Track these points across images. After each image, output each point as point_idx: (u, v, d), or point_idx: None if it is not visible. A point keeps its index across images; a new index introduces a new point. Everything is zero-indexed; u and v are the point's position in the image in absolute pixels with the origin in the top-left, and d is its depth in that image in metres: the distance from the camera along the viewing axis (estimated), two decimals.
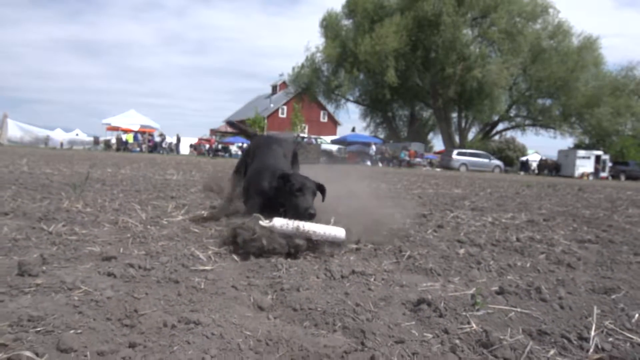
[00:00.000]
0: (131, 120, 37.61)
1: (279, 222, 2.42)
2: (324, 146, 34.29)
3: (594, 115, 39.93)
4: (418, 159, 35.03)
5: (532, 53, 40.18)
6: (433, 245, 2.94)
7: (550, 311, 1.76)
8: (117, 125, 36.72)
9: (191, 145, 37.92)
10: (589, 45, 40.92)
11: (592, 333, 1.53)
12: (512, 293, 1.93)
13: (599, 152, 37.45)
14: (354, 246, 2.75)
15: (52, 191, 4.73)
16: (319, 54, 43.31)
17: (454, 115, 46.03)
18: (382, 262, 2.46)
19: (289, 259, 2.36)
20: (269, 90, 62.33)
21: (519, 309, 1.75)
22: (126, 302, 1.60)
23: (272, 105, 56.78)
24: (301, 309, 1.68)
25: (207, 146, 36.98)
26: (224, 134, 43.20)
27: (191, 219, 3.39)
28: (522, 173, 37.14)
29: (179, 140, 37.25)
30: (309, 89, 44.27)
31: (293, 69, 44.47)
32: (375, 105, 47.07)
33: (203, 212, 3.72)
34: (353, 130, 49.31)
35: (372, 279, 2.12)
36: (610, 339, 1.53)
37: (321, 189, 2.84)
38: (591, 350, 1.44)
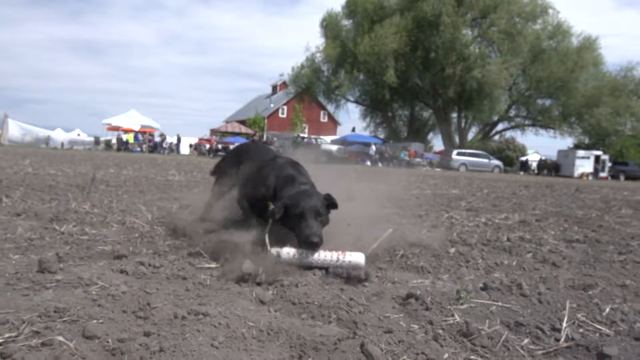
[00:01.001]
0: (132, 120, 37.80)
1: (286, 254, 2.30)
2: (324, 146, 34.44)
3: (594, 115, 40.01)
4: (418, 159, 35.16)
5: (532, 53, 40.29)
6: (426, 245, 3.07)
7: (529, 305, 1.91)
8: (118, 125, 36.92)
9: (191, 145, 38.07)
10: (589, 46, 41.01)
11: (564, 324, 1.68)
12: (495, 289, 2.08)
13: (599, 152, 37.61)
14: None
15: (59, 192, 4.90)
16: (319, 54, 43.49)
17: (454, 115, 46.14)
18: (376, 261, 2.61)
19: None
20: (269, 90, 62.45)
21: (500, 303, 1.90)
22: (139, 296, 1.75)
23: (272, 105, 56.92)
24: (299, 303, 1.83)
25: (208, 146, 37.13)
26: (224, 134, 43.35)
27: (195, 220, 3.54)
28: (521, 173, 37.29)
29: (179, 140, 37.42)
30: (309, 89, 44.36)
31: (293, 69, 44.61)
32: (375, 106, 47.18)
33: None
34: (353, 130, 49.33)
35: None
36: (581, 330, 1.68)
37: (329, 200, 2.49)
38: (562, 339, 1.59)
